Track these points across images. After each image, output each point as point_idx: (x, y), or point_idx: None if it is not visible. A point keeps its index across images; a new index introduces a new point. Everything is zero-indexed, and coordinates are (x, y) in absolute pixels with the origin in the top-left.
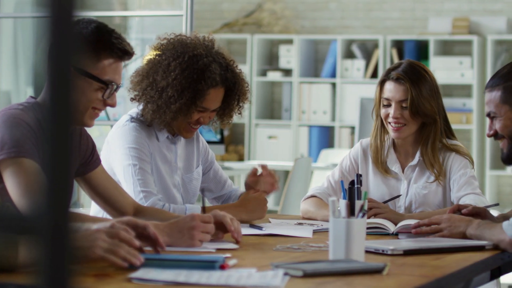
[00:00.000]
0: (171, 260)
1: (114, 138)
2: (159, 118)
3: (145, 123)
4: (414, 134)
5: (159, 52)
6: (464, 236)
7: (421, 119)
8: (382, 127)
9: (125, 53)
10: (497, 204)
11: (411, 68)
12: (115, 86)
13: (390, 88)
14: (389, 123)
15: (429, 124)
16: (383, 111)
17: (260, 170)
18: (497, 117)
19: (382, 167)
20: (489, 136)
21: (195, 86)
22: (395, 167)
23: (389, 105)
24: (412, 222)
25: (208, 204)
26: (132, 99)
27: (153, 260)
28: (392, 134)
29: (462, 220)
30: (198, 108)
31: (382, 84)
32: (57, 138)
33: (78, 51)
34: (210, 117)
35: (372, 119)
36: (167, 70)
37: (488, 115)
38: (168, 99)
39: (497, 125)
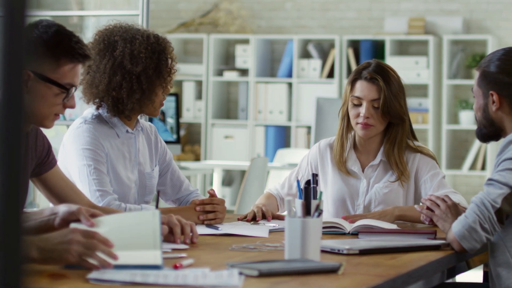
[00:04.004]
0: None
1: (69, 140)
2: (145, 103)
3: (102, 122)
4: (380, 133)
5: (110, 48)
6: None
7: (389, 119)
8: (347, 127)
9: (85, 57)
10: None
11: (381, 68)
12: (74, 89)
13: (362, 88)
14: (358, 122)
15: (397, 124)
16: (352, 111)
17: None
18: (475, 97)
19: (344, 167)
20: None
21: (163, 55)
22: (354, 166)
23: (359, 104)
24: (370, 222)
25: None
26: (99, 104)
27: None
28: (360, 132)
29: (455, 216)
30: (171, 73)
31: (353, 83)
32: (10, 140)
33: (37, 56)
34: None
35: (330, 119)
36: (134, 56)
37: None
38: (148, 80)
39: (474, 104)
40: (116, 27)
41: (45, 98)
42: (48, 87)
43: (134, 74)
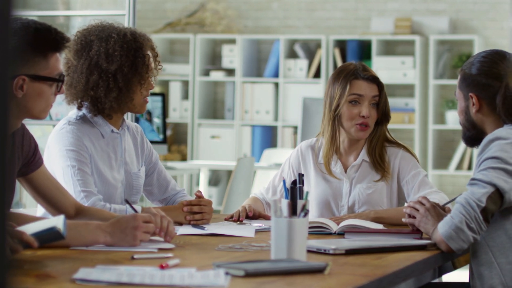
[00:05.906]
0: None
1: (53, 142)
2: (123, 101)
3: (87, 123)
4: None
5: (87, 48)
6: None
7: (379, 117)
8: (338, 130)
9: (67, 42)
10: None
11: (369, 68)
12: (63, 77)
13: (363, 86)
14: (357, 123)
15: (380, 123)
16: (349, 111)
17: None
18: (457, 100)
19: (328, 170)
20: None
21: (140, 52)
22: (336, 167)
23: (357, 104)
24: (357, 222)
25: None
26: (80, 105)
27: None
28: (356, 134)
29: (435, 217)
30: (149, 69)
31: (351, 82)
32: None
33: (26, 59)
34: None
35: (317, 119)
36: (109, 54)
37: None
38: (124, 78)
39: (457, 107)
40: (94, 27)
41: (41, 95)
42: (43, 84)
43: (110, 72)
